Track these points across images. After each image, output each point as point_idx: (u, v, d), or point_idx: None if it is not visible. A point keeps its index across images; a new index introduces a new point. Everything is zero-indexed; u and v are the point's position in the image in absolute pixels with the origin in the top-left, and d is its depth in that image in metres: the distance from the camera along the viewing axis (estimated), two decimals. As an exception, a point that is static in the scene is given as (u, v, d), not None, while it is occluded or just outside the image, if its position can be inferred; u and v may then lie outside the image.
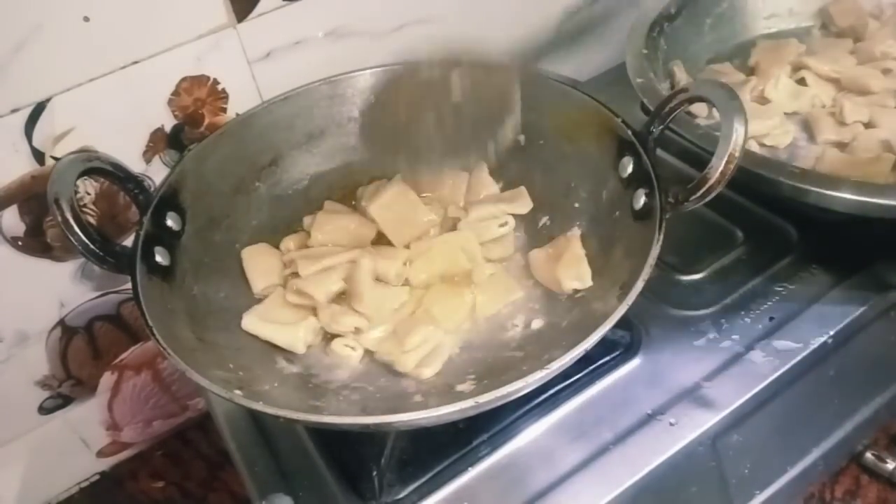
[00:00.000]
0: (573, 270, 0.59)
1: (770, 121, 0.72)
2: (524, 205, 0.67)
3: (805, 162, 0.69)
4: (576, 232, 0.62)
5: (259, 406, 0.46)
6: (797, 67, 0.79)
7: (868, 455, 0.70)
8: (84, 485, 0.83)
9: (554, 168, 0.67)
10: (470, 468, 0.55)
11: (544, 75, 0.67)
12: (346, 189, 0.71)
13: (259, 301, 0.61)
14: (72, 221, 0.50)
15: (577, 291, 0.59)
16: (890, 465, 0.69)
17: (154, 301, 0.52)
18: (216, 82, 0.68)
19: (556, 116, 0.66)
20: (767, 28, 0.88)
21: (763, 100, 0.77)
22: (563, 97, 0.65)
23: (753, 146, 0.71)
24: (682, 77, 0.78)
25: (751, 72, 0.81)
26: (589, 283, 0.58)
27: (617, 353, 0.60)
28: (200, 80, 0.67)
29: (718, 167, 0.48)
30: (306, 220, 0.68)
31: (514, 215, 0.66)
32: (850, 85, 0.76)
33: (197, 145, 0.63)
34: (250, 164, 0.67)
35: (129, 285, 0.52)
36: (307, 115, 0.69)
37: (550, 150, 0.67)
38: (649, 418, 0.56)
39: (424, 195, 0.68)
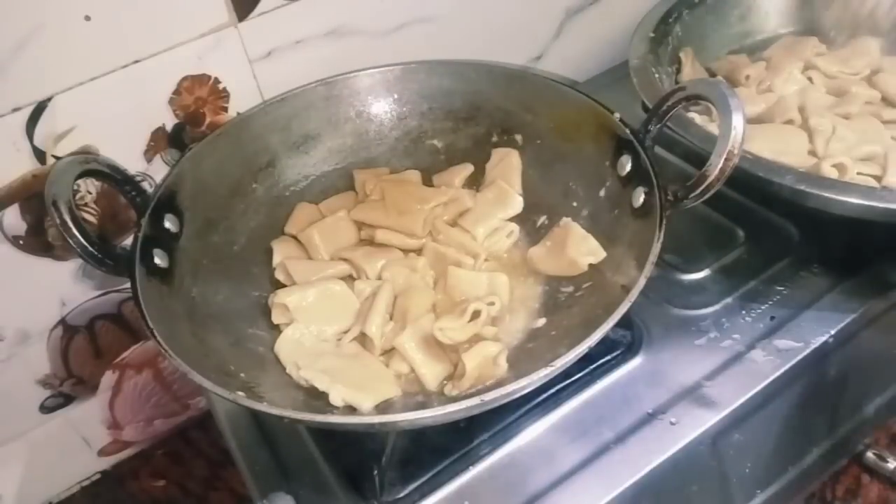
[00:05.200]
0: (584, 248, 0.59)
1: (757, 107, 0.72)
2: (514, 204, 0.67)
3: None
4: (567, 220, 0.62)
5: (263, 407, 0.46)
6: (809, 66, 0.78)
7: (869, 454, 0.70)
8: (85, 483, 0.83)
9: (552, 168, 0.67)
10: (471, 467, 0.55)
11: (542, 76, 0.68)
12: (342, 191, 0.71)
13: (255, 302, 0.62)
14: (70, 224, 0.50)
15: (576, 290, 0.59)
16: (891, 465, 0.69)
17: (154, 303, 0.52)
18: (217, 81, 0.68)
19: (554, 116, 0.66)
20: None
21: (769, 92, 0.77)
22: (561, 97, 0.65)
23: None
24: (687, 64, 0.78)
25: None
26: (603, 254, 0.58)
27: (618, 352, 0.60)
28: (201, 79, 0.67)
29: (717, 165, 0.48)
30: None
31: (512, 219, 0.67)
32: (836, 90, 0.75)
33: (193, 147, 0.63)
34: (247, 166, 0.67)
35: (130, 284, 0.52)
36: (304, 116, 0.69)
37: (548, 150, 0.67)
38: (650, 417, 0.56)
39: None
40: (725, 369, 0.59)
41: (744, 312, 0.62)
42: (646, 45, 0.74)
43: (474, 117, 0.71)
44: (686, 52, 0.79)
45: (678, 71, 0.78)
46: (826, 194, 0.56)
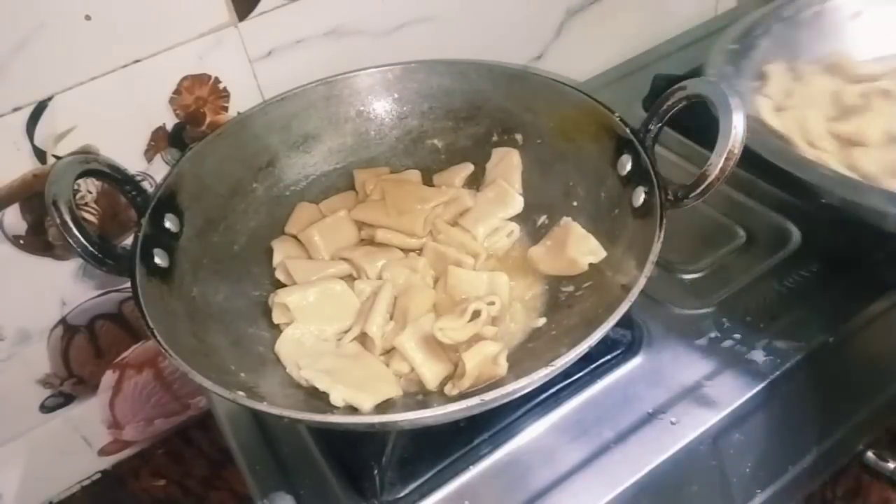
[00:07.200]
0: (584, 247, 0.59)
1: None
2: (515, 203, 0.67)
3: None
4: (568, 220, 0.62)
5: (263, 407, 0.46)
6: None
7: (869, 454, 0.69)
8: (85, 483, 0.83)
9: (552, 167, 0.67)
10: (471, 467, 0.55)
11: (542, 75, 0.68)
12: (343, 190, 0.71)
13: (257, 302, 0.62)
14: (70, 223, 0.50)
15: (576, 289, 0.59)
16: (891, 465, 0.69)
17: (154, 303, 0.52)
18: (217, 81, 0.68)
19: (555, 116, 0.66)
20: None
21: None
22: (561, 97, 0.65)
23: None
24: (777, 79, 0.73)
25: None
26: (603, 254, 0.58)
27: (618, 351, 0.60)
28: (202, 78, 0.67)
29: (717, 164, 0.48)
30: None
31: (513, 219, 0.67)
32: None
33: (194, 147, 0.63)
34: (247, 166, 0.67)
35: (130, 284, 0.52)
36: (304, 116, 0.69)
37: (548, 150, 0.67)
38: (650, 417, 0.56)
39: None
40: (725, 369, 0.59)
41: (744, 312, 0.62)
42: (725, 57, 0.72)
43: (474, 117, 0.71)
44: (774, 67, 0.73)
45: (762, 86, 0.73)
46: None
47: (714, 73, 0.69)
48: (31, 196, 0.63)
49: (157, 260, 0.55)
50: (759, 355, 0.59)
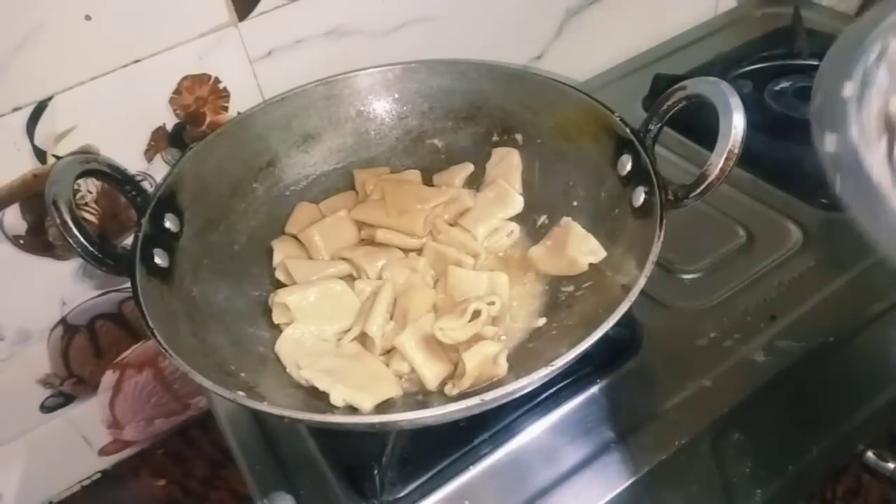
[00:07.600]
0: (584, 247, 0.59)
1: None
2: (515, 203, 0.67)
3: None
4: (568, 220, 0.63)
5: (263, 407, 0.46)
6: None
7: (869, 454, 0.69)
8: (86, 483, 0.83)
9: (552, 167, 0.67)
10: (471, 467, 0.55)
11: (542, 75, 0.68)
12: (343, 190, 0.71)
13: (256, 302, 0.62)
14: (70, 223, 0.50)
15: (576, 289, 0.59)
16: (891, 465, 0.68)
17: (154, 303, 0.52)
18: (217, 81, 0.68)
19: (555, 116, 0.66)
20: None
21: None
22: (561, 97, 0.65)
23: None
24: None
25: None
26: (603, 254, 0.58)
27: (618, 351, 0.60)
28: (202, 78, 0.67)
29: (717, 164, 0.48)
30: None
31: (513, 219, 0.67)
32: None
33: (194, 147, 0.63)
34: (247, 166, 0.67)
35: (130, 284, 0.52)
36: (304, 115, 0.69)
37: (549, 150, 0.67)
38: (650, 417, 0.56)
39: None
40: (725, 368, 0.59)
41: (744, 311, 0.62)
42: (844, 114, 0.42)
43: (474, 117, 0.71)
44: None
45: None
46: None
47: (839, 146, 0.41)
48: (31, 196, 0.63)
49: (157, 260, 0.55)
50: (758, 355, 0.59)
